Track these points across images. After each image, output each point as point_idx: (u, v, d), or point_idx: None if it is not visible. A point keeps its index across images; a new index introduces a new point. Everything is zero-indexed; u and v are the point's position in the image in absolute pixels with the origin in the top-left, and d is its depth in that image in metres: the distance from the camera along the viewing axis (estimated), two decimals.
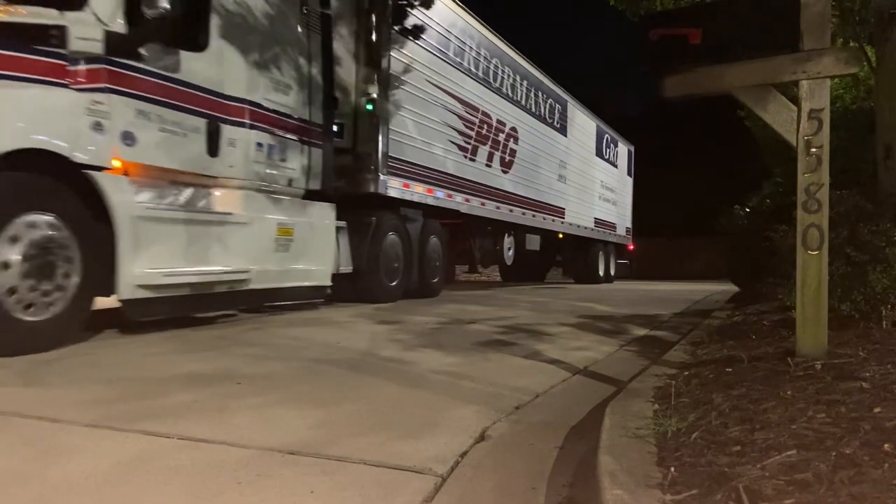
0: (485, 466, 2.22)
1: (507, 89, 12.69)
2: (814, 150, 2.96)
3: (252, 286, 6.04)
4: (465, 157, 10.85)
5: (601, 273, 18.75)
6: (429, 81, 9.69)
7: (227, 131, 5.79)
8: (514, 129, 12.96)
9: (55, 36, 4.35)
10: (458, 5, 10.74)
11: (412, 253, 9.27)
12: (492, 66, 11.91)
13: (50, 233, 4.24)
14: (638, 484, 1.72)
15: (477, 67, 11.33)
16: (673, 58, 3.38)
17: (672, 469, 1.80)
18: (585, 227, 17.47)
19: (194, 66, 5.46)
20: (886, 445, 1.76)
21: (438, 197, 9.83)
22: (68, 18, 4.42)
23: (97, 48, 4.56)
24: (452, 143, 10.41)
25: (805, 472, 1.66)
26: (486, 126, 11.68)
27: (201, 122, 5.54)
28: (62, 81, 4.39)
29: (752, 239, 8.24)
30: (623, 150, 21.90)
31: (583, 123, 17.62)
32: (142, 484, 1.95)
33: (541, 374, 3.88)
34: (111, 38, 4.64)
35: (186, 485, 1.95)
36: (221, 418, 2.67)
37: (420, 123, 9.43)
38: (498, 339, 5.36)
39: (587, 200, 17.81)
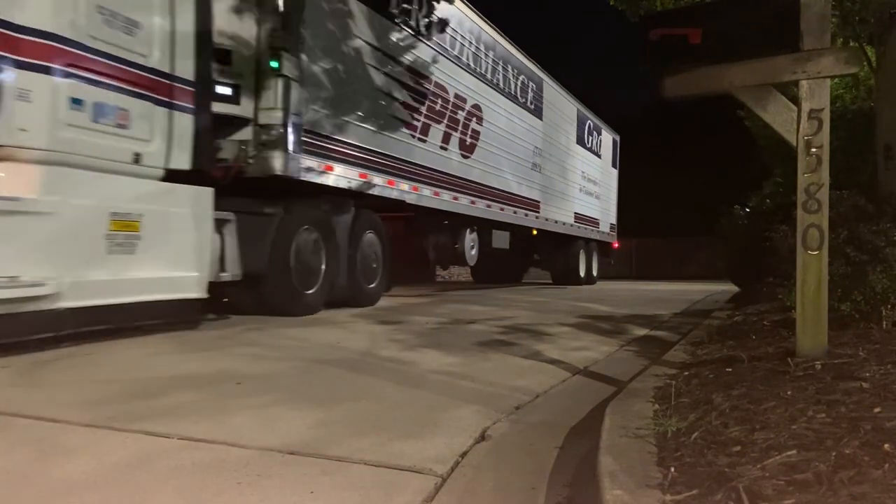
0: (485, 466, 2.22)
1: (467, 59, 10.77)
2: (814, 150, 2.96)
3: (62, 304, 4.22)
4: (413, 136, 9.05)
5: (582, 273, 17.18)
6: (361, 39, 7.68)
7: (15, 77, 4.11)
8: (476, 107, 11.14)
9: None
10: None
11: (338, 252, 7.45)
12: (448, 30, 9.99)
13: None
14: (638, 484, 1.72)
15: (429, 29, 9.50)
16: (673, 58, 3.38)
17: (672, 469, 1.80)
18: (564, 223, 15.83)
19: None
20: (886, 445, 1.76)
21: (376, 184, 8.07)
22: None
23: None
24: (395, 118, 8.54)
25: (805, 472, 1.65)
26: (440, 101, 9.82)
27: None
28: None
29: (752, 239, 8.25)
30: (607, 139, 20.05)
31: (561, 106, 15.76)
32: (142, 484, 1.95)
33: (541, 374, 3.88)
34: None
35: (186, 485, 1.95)
36: (221, 418, 2.67)
37: (349, 90, 7.45)
38: (498, 339, 5.36)
39: (566, 193, 16.13)
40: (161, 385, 3.27)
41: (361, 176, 7.74)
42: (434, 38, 9.59)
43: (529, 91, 13.71)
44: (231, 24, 6.07)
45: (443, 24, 9.73)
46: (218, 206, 5.63)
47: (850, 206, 4.39)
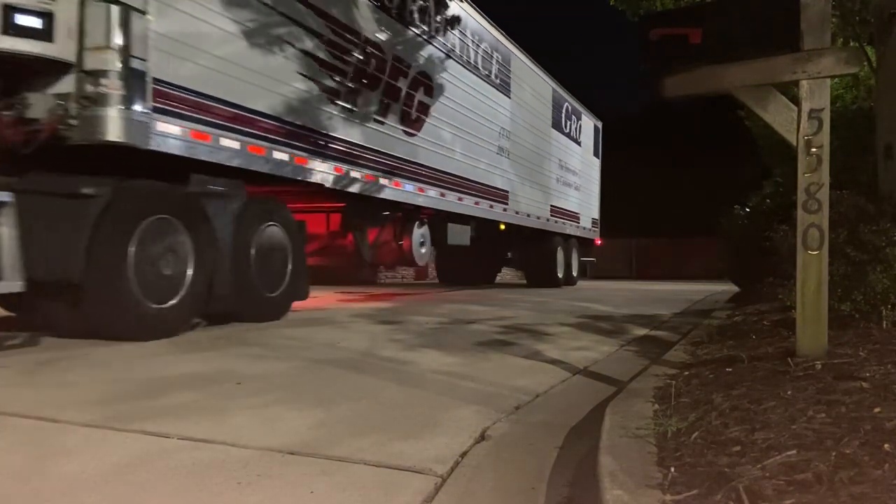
0: (485, 466, 2.22)
1: (411, 16, 8.82)
2: (814, 150, 2.96)
3: None
4: (334, 102, 7.13)
5: (560, 273, 15.37)
6: None
7: None
8: (424, 74, 9.23)
9: None
10: None
11: (218, 252, 5.51)
12: None
13: None
14: (638, 484, 1.72)
15: None
16: (673, 58, 3.38)
17: (672, 469, 1.80)
18: (538, 217, 14.05)
19: None
20: (886, 445, 1.76)
21: (278, 160, 6.21)
22: None
23: None
24: (308, 78, 6.66)
25: (805, 472, 1.65)
26: (374, 62, 7.86)
27: None
28: None
29: (752, 239, 8.24)
30: (588, 125, 18.11)
31: (533, 84, 13.79)
32: (142, 484, 1.95)
33: (541, 374, 3.88)
34: None
35: (186, 485, 1.95)
36: (221, 418, 2.67)
37: (231, 31, 5.66)
38: (498, 339, 5.36)
39: (540, 183, 14.30)
40: (161, 385, 3.27)
41: (254, 150, 5.89)
42: None
43: (494, 63, 11.70)
44: None
45: None
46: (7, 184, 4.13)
47: (851, 206, 4.38)
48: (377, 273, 16.13)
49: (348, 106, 7.44)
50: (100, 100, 4.53)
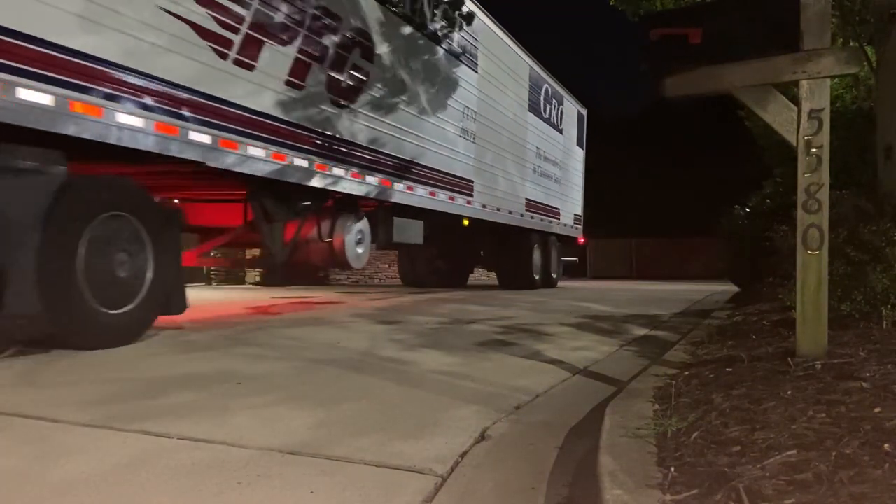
0: (485, 466, 2.22)
1: None
2: (814, 150, 2.96)
3: None
4: (224, 55, 5.58)
5: (537, 274, 13.92)
6: None
7: None
8: (361, 33, 7.55)
9: None
10: None
11: (18, 252, 3.89)
12: None
13: None
14: (638, 484, 1.72)
15: None
16: (673, 58, 3.38)
17: (672, 469, 1.80)
18: (511, 212, 12.52)
19: None
20: (886, 445, 1.76)
21: (129, 127, 4.70)
22: None
23: None
24: (178, 18, 5.11)
25: (805, 472, 1.65)
26: (285, 9, 6.30)
27: None
28: None
29: (752, 239, 8.25)
30: (571, 111, 16.43)
31: (507, 59, 12.15)
32: (142, 484, 1.95)
33: (541, 374, 3.88)
34: None
35: (186, 485, 1.95)
36: (221, 418, 2.67)
37: None
38: (498, 339, 5.36)
39: (514, 173, 12.77)
40: (161, 385, 3.27)
41: (89, 111, 4.41)
42: None
43: (455, 27, 9.79)
44: None
45: None
46: None
47: (850, 206, 4.39)
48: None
49: (245, 60, 5.76)
50: None
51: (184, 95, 5.22)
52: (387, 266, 17.36)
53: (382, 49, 8.05)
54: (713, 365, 3.35)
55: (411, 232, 9.70)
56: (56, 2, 4.22)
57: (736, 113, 11.58)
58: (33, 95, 4.08)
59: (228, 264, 11.28)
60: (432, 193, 9.53)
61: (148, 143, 4.90)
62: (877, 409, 2.09)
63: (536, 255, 13.96)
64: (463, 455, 2.30)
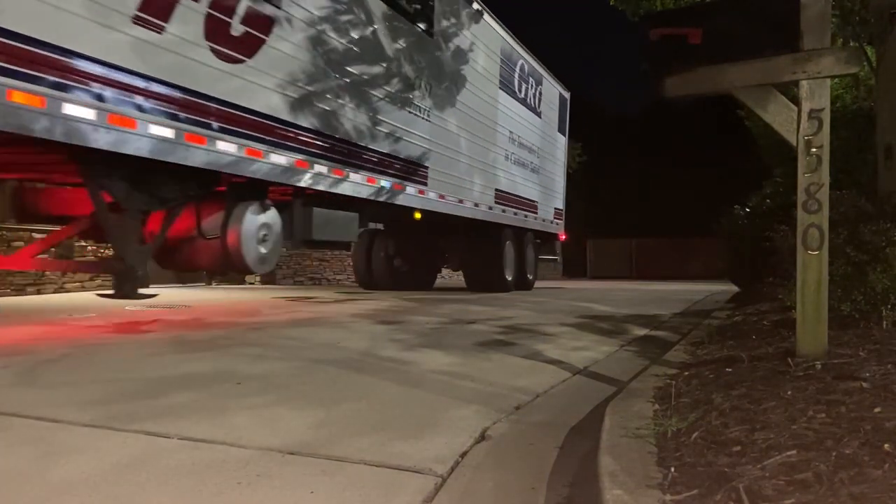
0: (485, 466, 2.22)
1: None
2: (814, 150, 2.97)
3: None
4: None
5: (510, 275, 12.38)
6: None
7: None
8: None
9: None
10: None
11: None
12: None
13: None
14: (638, 484, 1.72)
15: None
16: (673, 58, 3.38)
17: (672, 469, 1.80)
18: (477, 204, 10.97)
19: None
20: (886, 445, 1.76)
21: None
22: None
23: None
24: None
25: (805, 472, 1.65)
26: None
27: None
28: None
29: (752, 239, 8.25)
30: (552, 93, 14.82)
31: (475, 27, 10.54)
32: (142, 484, 1.95)
33: (541, 374, 3.88)
34: None
35: (186, 485, 1.95)
36: (221, 418, 2.67)
37: None
38: (498, 339, 5.36)
39: (481, 159, 11.12)
40: (161, 385, 3.27)
41: None
42: None
43: None
44: None
45: None
46: None
47: (851, 206, 4.39)
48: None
49: None
50: None
51: None
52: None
53: None
54: (713, 365, 3.35)
55: (339, 227, 7.72)
56: None
57: (736, 113, 11.60)
58: None
59: (66, 268, 8.71)
60: (371, 180, 7.84)
61: None
62: (877, 409, 2.09)
63: (510, 254, 12.46)
64: (463, 455, 2.30)
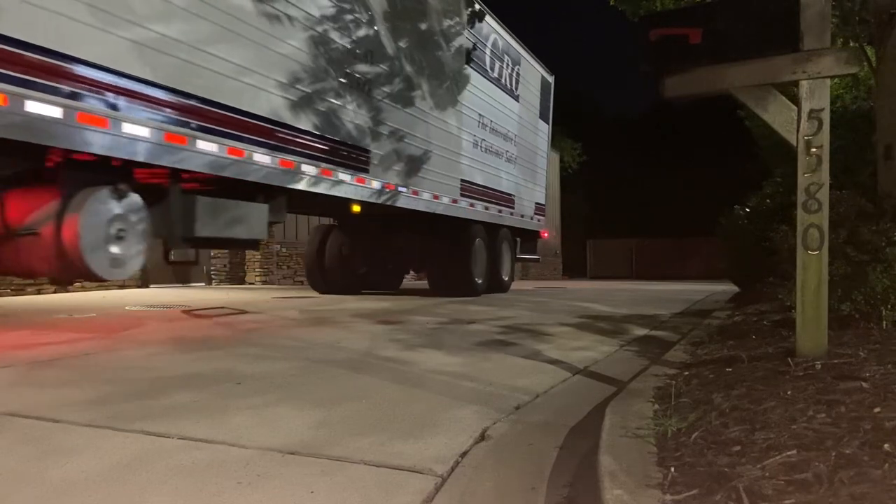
0: (485, 466, 2.22)
1: None
2: (814, 150, 2.97)
3: None
4: None
5: (479, 277, 10.83)
6: None
7: None
8: None
9: None
10: None
11: None
12: None
13: None
14: (638, 484, 1.72)
15: None
16: (673, 58, 3.38)
17: (672, 469, 1.80)
18: (438, 197, 9.59)
19: None
20: (886, 445, 1.76)
21: None
22: None
23: None
24: None
25: (805, 472, 1.65)
26: None
27: None
28: None
29: (752, 239, 8.25)
30: (532, 75, 13.36)
31: None
32: (142, 484, 1.95)
33: (541, 374, 3.88)
34: None
35: (186, 485, 1.95)
36: (221, 418, 2.67)
37: None
38: (498, 339, 5.36)
39: (443, 145, 9.64)
40: (161, 385, 3.27)
41: None
42: None
43: None
44: None
45: None
46: None
47: (851, 206, 4.38)
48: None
49: None
50: None
51: None
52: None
53: None
54: (713, 365, 3.35)
55: (237, 221, 6.09)
56: None
57: (736, 113, 11.59)
58: None
59: None
60: (287, 164, 6.35)
61: None
62: (877, 409, 2.09)
63: (480, 253, 10.94)
64: (463, 455, 2.30)
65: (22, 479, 1.99)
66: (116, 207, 4.96)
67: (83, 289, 10.59)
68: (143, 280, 12.12)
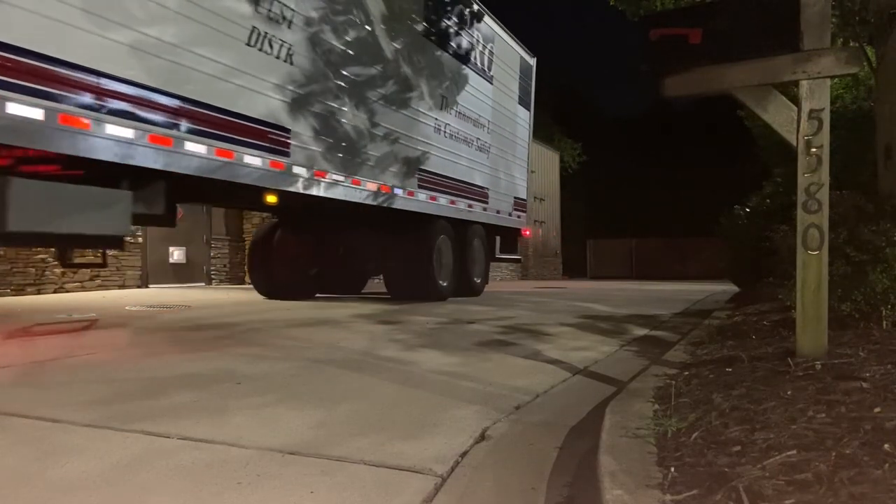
0: (485, 466, 2.22)
1: None
2: (814, 150, 2.96)
3: None
4: None
5: (445, 280, 9.76)
6: None
7: None
8: None
9: None
10: None
11: None
12: None
13: None
14: (638, 484, 1.72)
15: None
16: (673, 58, 3.38)
17: (672, 469, 1.80)
18: (389, 190, 8.35)
19: None
20: (886, 445, 1.76)
21: None
22: None
23: None
24: None
25: (805, 472, 1.65)
26: None
27: None
28: None
29: (751, 239, 8.25)
30: (510, 56, 12.07)
31: None
32: (142, 484, 1.95)
33: (541, 374, 3.88)
34: None
35: (186, 485, 1.95)
36: (221, 418, 2.67)
37: None
38: (498, 339, 5.36)
39: (400, 130, 8.47)
40: (161, 385, 3.27)
41: None
42: None
43: None
44: None
45: None
46: None
47: (851, 206, 4.38)
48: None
49: None
50: None
51: None
52: None
53: None
54: (713, 365, 3.35)
55: (77, 212, 4.64)
56: None
57: (736, 113, 11.58)
58: None
59: None
60: (159, 139, 5.01)
61: None
62: (877, 409, 2.09)
63: (444, 253, 9.80)
64: (463, 455, 2.30)
65: (22, 479, 1.99)
66: None
67: (83, 289, 10.62)
68: (144, 280, 12.16)
